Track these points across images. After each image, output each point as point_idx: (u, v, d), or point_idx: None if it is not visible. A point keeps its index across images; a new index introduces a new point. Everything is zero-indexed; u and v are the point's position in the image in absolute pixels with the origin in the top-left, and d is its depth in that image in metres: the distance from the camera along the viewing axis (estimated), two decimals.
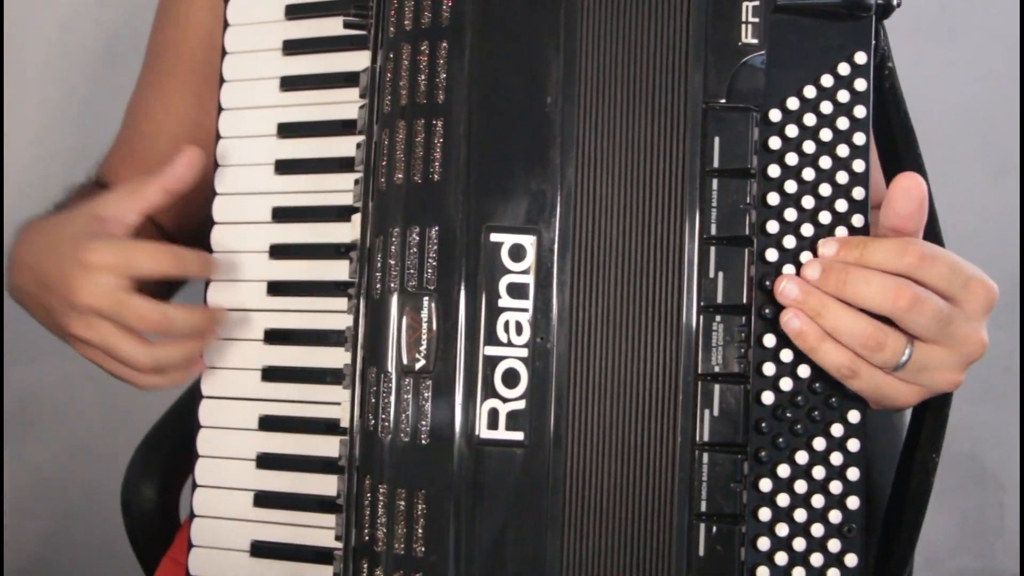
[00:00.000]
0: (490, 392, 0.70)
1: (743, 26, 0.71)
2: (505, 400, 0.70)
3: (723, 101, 0.71)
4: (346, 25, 0.87)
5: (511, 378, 0.70)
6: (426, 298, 0.70)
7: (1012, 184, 1.10)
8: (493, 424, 0.69)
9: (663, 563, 0.69)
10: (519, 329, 0.70)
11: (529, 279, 0.70)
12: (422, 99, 0.71)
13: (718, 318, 0.69)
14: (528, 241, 0.70)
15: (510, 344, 0.70)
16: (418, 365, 0.70)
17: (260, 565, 0.92)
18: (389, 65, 0.72)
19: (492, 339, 0.70)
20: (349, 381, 0.84)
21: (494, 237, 0.70)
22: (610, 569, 0.69)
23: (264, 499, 0.92)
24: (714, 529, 0.68)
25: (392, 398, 0.70)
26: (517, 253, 0.70)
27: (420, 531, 0.69)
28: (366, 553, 0.70)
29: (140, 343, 0.85)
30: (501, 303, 0.70)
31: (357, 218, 0.85)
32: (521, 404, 0.70)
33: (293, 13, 0.95)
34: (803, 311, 0.68)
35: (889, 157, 0.77)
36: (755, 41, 0.71)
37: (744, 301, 0.69)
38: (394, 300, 0.70)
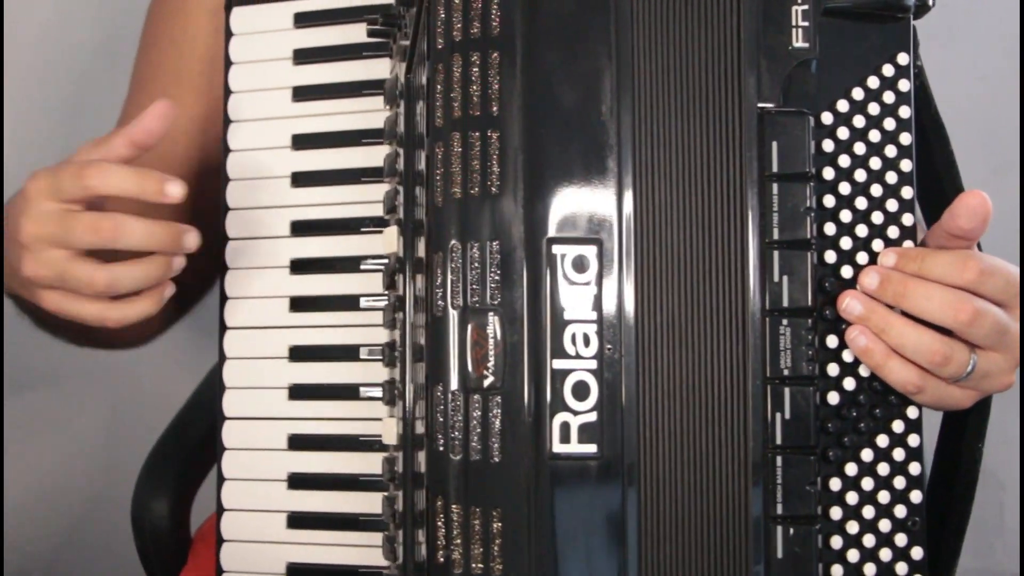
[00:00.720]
0: (561, 406, 0.69)
1: (793, 30, 0.72)
2: (576, 413, 0.69)
3: (778, 105, 0.71)
4: (370, 34, 0.85)
5: (581, 390, 0.69)
6: (491, 313, 0.69)
7: (1012, 184, 1.12)
8: (565, 438, 0.69)
9: (741, 566, 0.69)
10: (587, 341, 0.70)
11: (593, 290, 0.70)
12: (475, 111, 0.70)
13: (785, 321, 0.70)
14: (590, 251, 0.70)
15: (578, 356, 0.69)
16: (486, 382, 0.69)
17: None
18: (439, 77, 0.71)
19: (560, 352, 0.69)
20: (390, 397, 0.83)
21: (556, 249, 0.70)
22: (689, 573, 0.69)
23: (298, 520, 0.90)
24: (791, 531, 0.69)
25: (461, 416, 0.69)
26: (580, 264, 0.70)
27: (496, 549, 0.68)
28: (442, 575, 0.68)
29: (94, 263, 0.78)
30: (567, 315, 0.69)
31: (391, 231, 0.84)
32: (592, 416, 0.69)
33: (303, 21, 0.93)
34: (867, 327, 0.69)
35: (921, 153, 0.78)
36: (806, 45, 0.72)
37: (810, 304, 0.70)
38: (458, 316, 0.69)
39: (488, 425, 0.69)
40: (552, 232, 0.70)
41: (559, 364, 0.69)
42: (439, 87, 0.71)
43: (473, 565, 0.69)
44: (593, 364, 0.70)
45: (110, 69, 1.11)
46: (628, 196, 0.71)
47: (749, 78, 0.71)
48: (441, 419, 0.69)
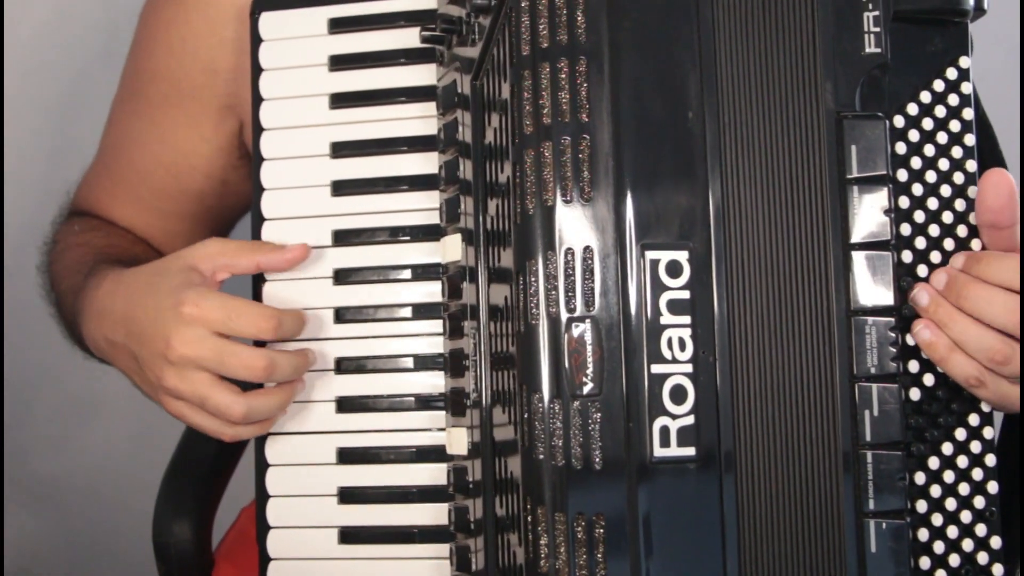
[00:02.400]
0: (659, 410, 0.71)
1: (866, 36, 0.75)
2: (675, 417, 0.71)
3: (854, 110, 0.74)
4: (425, 40, 0.85)
5: (678, 394, 0.71)
6: (587, 320, 0.70)
7: None
8: (665, 442, 0.71)
9: (836, 563, 0.72)
10: (682, 345, 0.72)
11: (687, 294, 0.71)
12: (565, 118, 0.71)
13: (870, 321, 0.73)
14: (683, 257, 0.72)
15: (675, 360, 0.71)
16: (585, 389, 0.70)
17: None
18: (526, 84, 0.72)
19: (657, 357, 0.71)
20: (456, 407, 0.83)
21: (650, 255, 0.71)
22: (786, 572, 0.72)
23: (352, 535, 0.90)
24: (884, 526, 0.72)
25: (560, 424, 0.70)
26: (674, 269, 0.72)
27: (600, 556, 0.70)
28: None
29: (235, 393, 0.84)
30: (663, 320, 0.71)
31: (453, 239, 0.84)
32: (690, 420, 0.71)
33: (338, 27, 0.93)
34: (932, 320, 0.72)
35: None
36: (878, 50, 0.75)
37: (893, 303, 0.73)
38: (554, 324, 0.70)
39: (588, 432, 0.70)
40: (645, 238, 0.71)
41: (657, 369, 0.71)
42: (527, 94, 0.72)
43: (579, 573, 0.69)
44: (689, 368, 0.72)
45: (108, 68, 1.09)
46: (717, 201, 0.73)
47: (826, 84, 0.74)
48: (540, 427, 0.70)
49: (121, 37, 1.09)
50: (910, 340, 0.76)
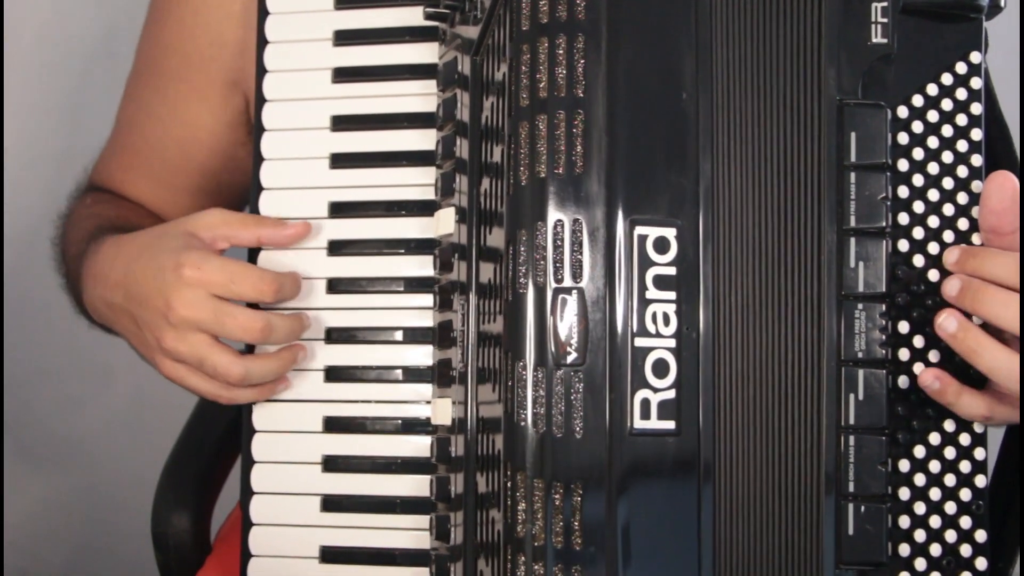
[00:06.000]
0: (641, 383, 0.78)
1: (873, 26, 0.83)
2: (656, 390, 0.78)
3: (856, 98, 0.80)
4: (428, 16, 0.93)
5: (661, 368, 0.78)
6: (575, 291, 0.77)
7: None
8: (645, 414, 0.78)
9: (813, 543, 0.80)
10: (667, 320, 0.79)
11: (674, 270, 0.79)
12: (561, 92, 0.79)
13: (860, 306, 0.80)
14: (671, 233, 0.79)
15: (659, 335, 0.79)
16: (569, 359, 0.78)
17: (331, 571, 0.97)
18: (525, 58, 0.79)
19: (642, 330, 0.79)
20: (443, 378, 0.90)
21: (639, 230, 0.79)
22: (763, 549, 0.80)
23: (334, 503, 0.97)
24: (863, 509, 0.79)
25: (544, 392, 0.77)
26: (661, 245, 0.79)
27: (577, 523, 0.76)
28: (522, 549, 0.77)
29: (232, 355, 0.94)
30: (649, 295, 0.79)
31: (447, 213, 0.92)
32: (671, 394, 0.78)
33: (343, 3, 1.01)
34: (958, 348, 0.80)
35: (987, 154, 0.88)
36: (885, 40, 0.83)
37: (885, 290, 0.79)
38: (541, 294, 0.78)
39: (570, 401, 0.77)
40: (635, 213, 0.79)
41: (641, 342, 0.79)
42: (525, 68, 0.80)
43: (555, 539, 0.76)
44: (672, 343, 0.79)
45: (110, 67, 1.19)
46: (707, 180, 0.81)
47: (830, 71, 0.82)
48: (523, 395, 0.77)
49: (121, 37, 1.18)
50: (901, 328, 0.83)
